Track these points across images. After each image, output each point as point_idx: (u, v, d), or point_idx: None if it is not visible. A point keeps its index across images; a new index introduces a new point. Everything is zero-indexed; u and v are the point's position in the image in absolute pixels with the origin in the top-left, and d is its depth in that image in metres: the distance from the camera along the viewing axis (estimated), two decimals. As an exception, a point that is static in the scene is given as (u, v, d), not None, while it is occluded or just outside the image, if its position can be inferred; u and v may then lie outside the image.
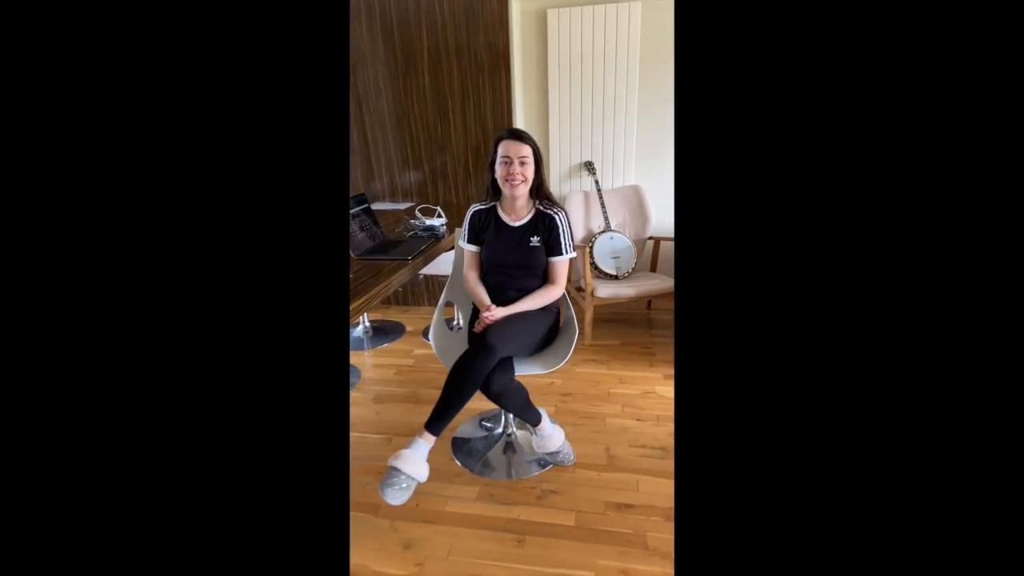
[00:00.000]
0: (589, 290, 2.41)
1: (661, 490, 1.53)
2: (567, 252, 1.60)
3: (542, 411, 1.64)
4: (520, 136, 1.54)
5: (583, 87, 2.66)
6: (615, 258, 2.62)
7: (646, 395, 2.04)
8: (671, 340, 2.52)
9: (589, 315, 2.46)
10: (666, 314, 2.78)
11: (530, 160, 1.54)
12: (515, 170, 1.51)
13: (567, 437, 1.70)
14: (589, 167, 2.75)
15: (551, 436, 1.63)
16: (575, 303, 2.70)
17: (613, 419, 1.89)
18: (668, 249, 2.75)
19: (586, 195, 2.74)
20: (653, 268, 2.75)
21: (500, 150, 1.53)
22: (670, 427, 1.82)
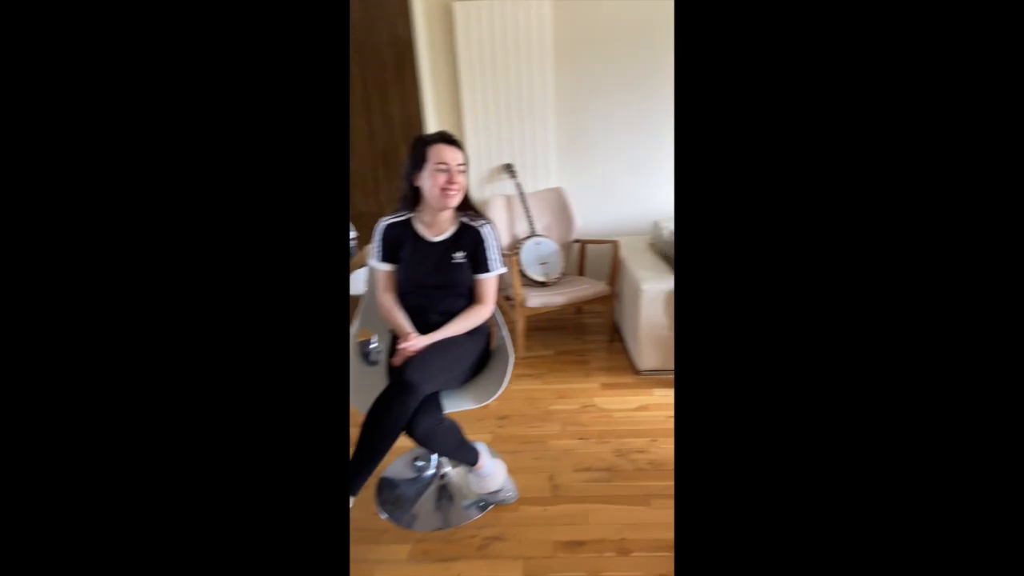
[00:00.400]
0: (519, 300, 2.28)
1: (611, 519, 1.42)
2: (496, 268, 1.43)
3: (480, 446, 1.47)
4: (455, 141, 1.36)
5: (497, 86, 2.51)
6: (543, 264, 2.50)
7: (586, 409, 1.94)
8: (604, 345, 2.45)
9: (521, 326, 2.33)
10: (597, 318, 2.72)
11: (465, 168, 1.37)
12: (456, 179, 1.33)
13: (507, 469, 1.54)
14: (509, 170, 2.61)
15: (492, 475, 1.46)
16: (504, 313, 2.56)
17: (554, 441, 1.76)
18: (595, 252, 2.69)
19: (508, 199, 2.60)
20: (581, 272, 2.68)
21: (433, 156, 1.33)
22: (613, 444, 1.73)
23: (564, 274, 2.55)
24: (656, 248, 2.41)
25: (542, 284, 2.46)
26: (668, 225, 2.38)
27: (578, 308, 2.81)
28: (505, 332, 1.53)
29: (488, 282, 1.44)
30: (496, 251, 1.43)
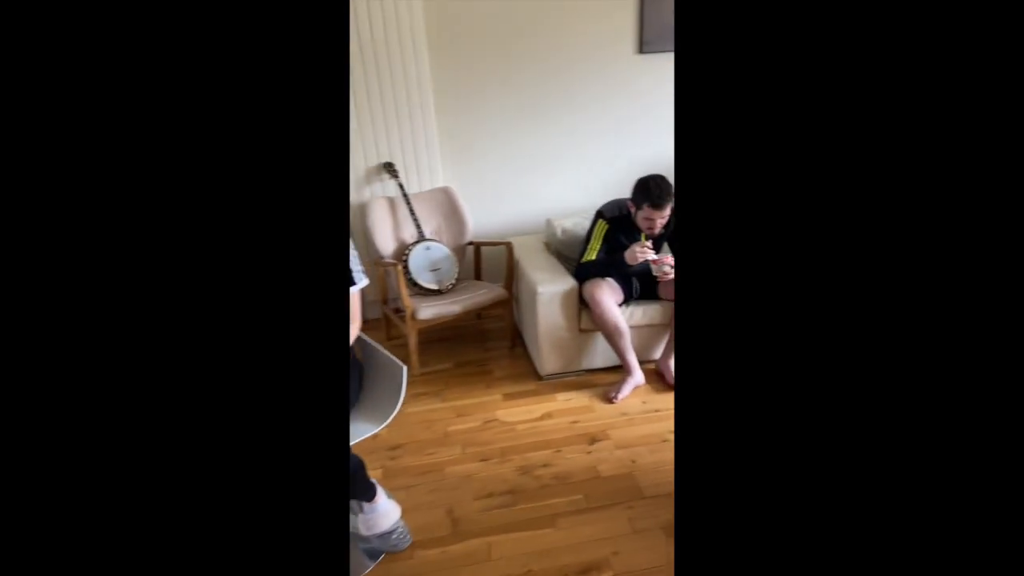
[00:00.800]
0: (409, 313, 2.08)
1: (515, 550, 1.29)
2: (360, 280, 1.25)
3: (373, 480, 1.29)
4: None
5: (368, 81, 2.28)
6: (434, 270, 2.33)
7: (487, 425, 1.80)
8: (506, 352, 2.34)
9: (413, 341, 2.13)
10: (498, 322, 2.60)
11: None
12: None
13: (402, 510, 1.35)
14: (390, 169, 2.39)
15: (387, 512, 1.29)
16: (393, 326, 2.34)
17: (453, 467, 1.60)
18: (491, 254, 2.57)
19: (391, 201, 2.39)
20: (478, 276, 2.54)
21: None
22: (516, 460, 1.61)
23: (459, 280, 2.39)
24: (551, 247, 2.34)
25: (435, 292, 2.29)
26: (561, 223, 2.32)
27: (478, 313, 2.67)
28: (376, 347, 1.35)
29: (354, 297, 1.25)
30: (358, 262, 1.25)
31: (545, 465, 1.58)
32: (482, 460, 1.62)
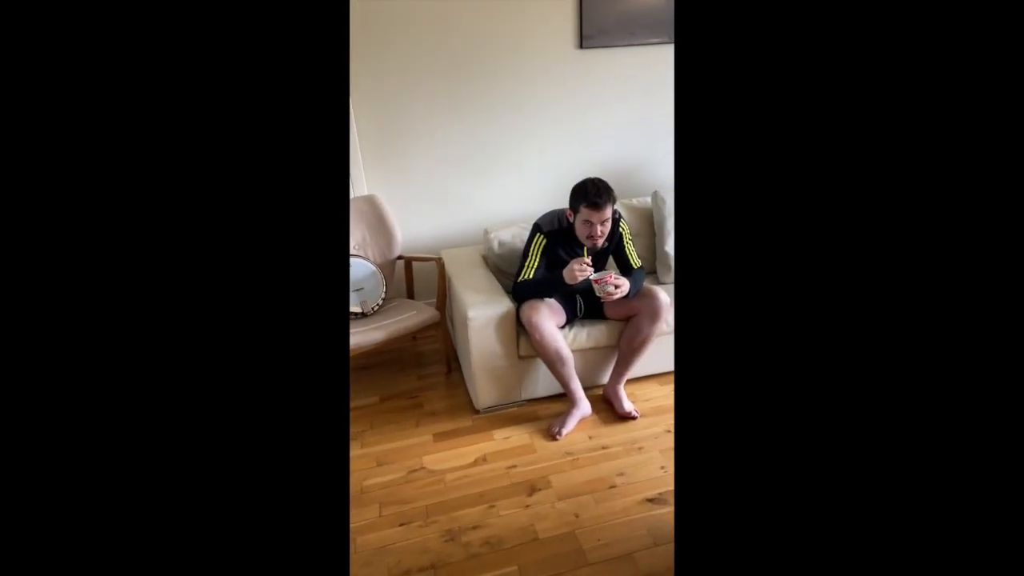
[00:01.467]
0: (323, 344, 1.80)
1: (433, 650, 1.06)
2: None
3: None
4: None
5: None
6: (357, 290, 2.06)
7: (412, 476, 1.56)
8: (442, 379, 2.09)
9: (330, 375, 1.85)
10: (435, 343, 2.35)
11: None
12: None
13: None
14: (303, 177, 2.10)
15: None
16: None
17: (367, 535, 1.35)
18: (424, 270, 2.32)
19: (306, 214, 2.09)
20: (410, 295, 2.28)
21: None
22: (443, 522, 1.37)
23: (387, 299, 2.13)
24: (488, 261, 2.12)
25: (359, 316, 2.02)
26: (498, 234, 2.09)
27: (413, 335, 2.41)
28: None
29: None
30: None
31: (475, 527, 1.35)
32: (402, 524, 1.38)
